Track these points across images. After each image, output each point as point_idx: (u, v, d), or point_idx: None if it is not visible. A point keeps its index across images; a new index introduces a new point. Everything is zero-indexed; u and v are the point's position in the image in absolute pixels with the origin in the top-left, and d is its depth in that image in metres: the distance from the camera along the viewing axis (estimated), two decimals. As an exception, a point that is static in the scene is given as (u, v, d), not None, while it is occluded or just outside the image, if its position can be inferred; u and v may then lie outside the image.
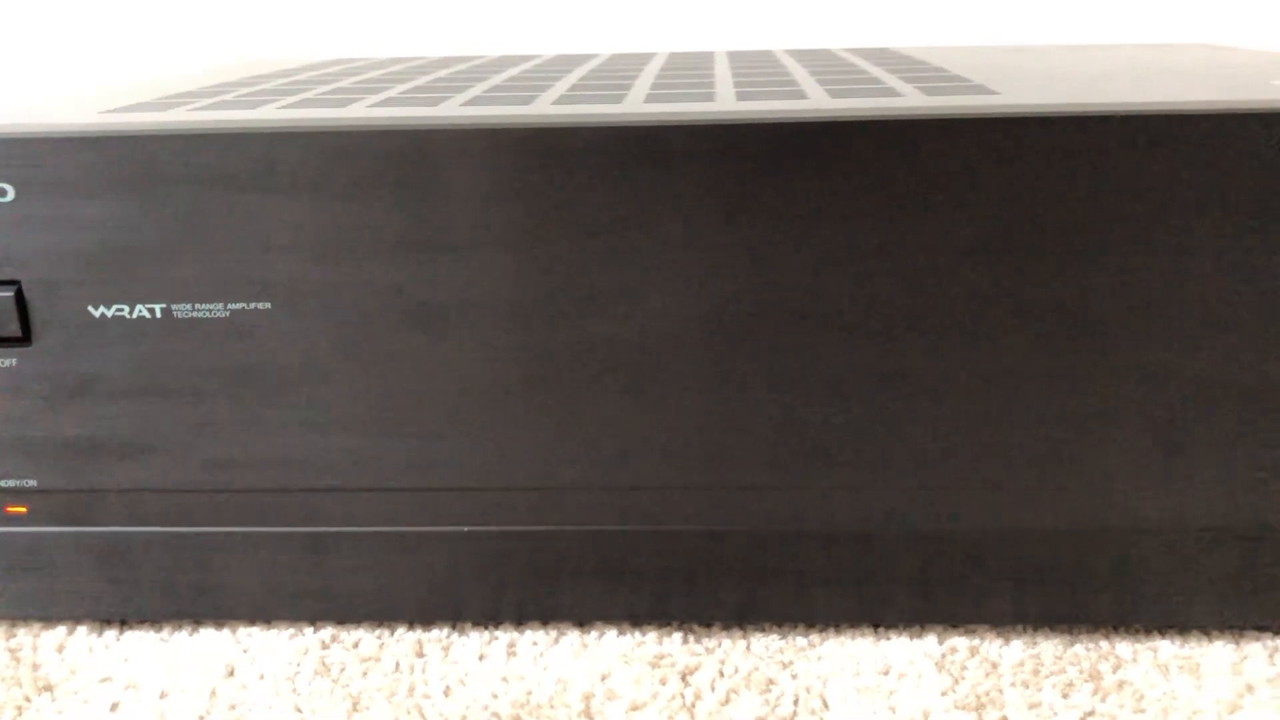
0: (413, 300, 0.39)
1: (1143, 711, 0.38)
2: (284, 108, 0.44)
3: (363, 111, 0.43)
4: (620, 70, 0.58)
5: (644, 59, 0.67)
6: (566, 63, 0.65)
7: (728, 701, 0.39)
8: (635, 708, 0.38)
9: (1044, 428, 0.40)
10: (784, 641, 0.42)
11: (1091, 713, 0.38)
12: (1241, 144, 0.37)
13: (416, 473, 0.41)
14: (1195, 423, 0.40)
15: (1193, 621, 0.42)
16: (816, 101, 0.42)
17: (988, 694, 0.39)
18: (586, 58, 0.69)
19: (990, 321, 0.39)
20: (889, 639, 0.42)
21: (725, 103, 0.43)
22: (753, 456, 0.41)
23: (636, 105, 0.42)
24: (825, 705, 0.38)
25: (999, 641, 0.42)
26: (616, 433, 0.40)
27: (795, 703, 0.39)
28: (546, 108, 0.42)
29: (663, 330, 0.39)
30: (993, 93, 0.43)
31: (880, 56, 0.64)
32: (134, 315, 0.40)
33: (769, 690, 0.39)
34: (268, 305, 0.40)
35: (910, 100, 0.42)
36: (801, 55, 0.66)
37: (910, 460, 0.41)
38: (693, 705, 0.38)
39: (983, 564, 0.41)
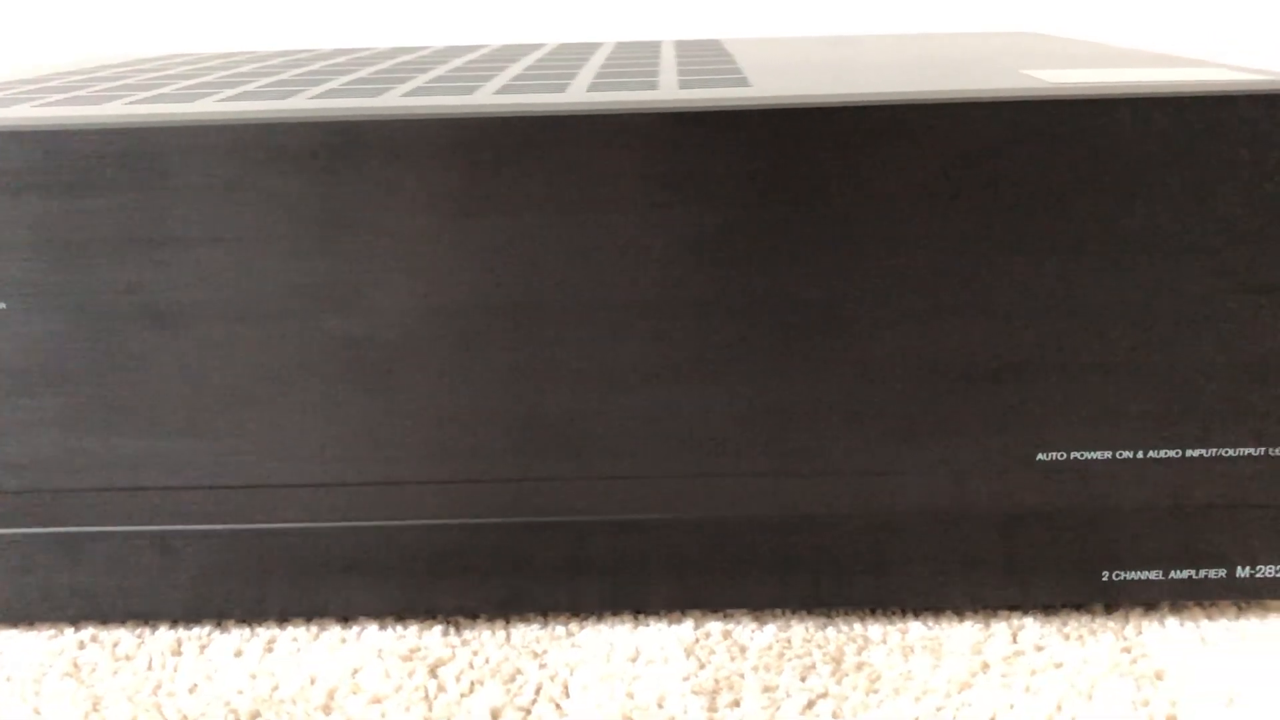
0: (147, 298, 0.39)
1: (875, 692, 0.39)
2: (40, 106, 0.44)
3: (118, 109, 0.42)
4: (397, 65, 0.58)
5: (469, 52, 0.67)
6: (388, 54, 0.65)
7: (470, 693, 0.39)
8: (375, 700, 0.38)
9: (797, 415, 0.40)
10: (544, 631, 0.42)
11: (824, 694, 0.38)
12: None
13: (164, 472, 0.41)
14: (945, 407, 0.40)
15: (947, 603, 0.43)
16: (570, 95, 0.42)
17: (728, 678, 0.39)
18: (411, 49, 0.69)
19: (745, 312, 0.40)
20: (648, 625, 0.42)
21: (482, 96, 0.43)
22: (503, 449, 0.41)
23: (394, 100, 0.43)
24: (566, 693, 0.39)
25: (754, 626, 0.42)
26: (362, 428, 0.41)
27: (537, 691, 0.39)
28: (301, 103, 0.42)
29: (401, 325, 0.40)
30: (747, 85, 0.44)
31: (695, 48, 0.65)
32: None
33: (513, 680, 0.39)
34: (3, 306, 0.39)
35: (659, 94, 0.42)
36: (624, 48, 0.67)
37: (668, 448, 0.41)
38: (434, 697, 0.39)
39: (741, 549, 0.42)
